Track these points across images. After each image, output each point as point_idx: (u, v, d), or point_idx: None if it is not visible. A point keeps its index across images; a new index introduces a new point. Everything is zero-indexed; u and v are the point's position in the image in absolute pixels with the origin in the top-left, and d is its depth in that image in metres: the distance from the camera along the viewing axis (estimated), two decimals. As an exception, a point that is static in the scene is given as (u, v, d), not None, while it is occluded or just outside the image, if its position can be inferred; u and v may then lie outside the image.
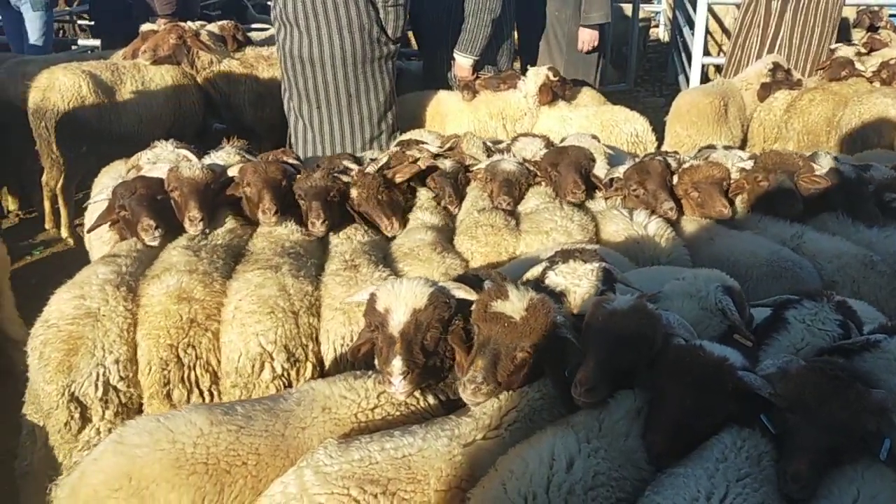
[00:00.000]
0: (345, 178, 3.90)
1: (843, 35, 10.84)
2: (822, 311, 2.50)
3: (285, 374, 2.98)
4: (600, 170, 4.32)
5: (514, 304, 2.40)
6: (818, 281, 3.49)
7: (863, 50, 10.07)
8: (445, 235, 3.88)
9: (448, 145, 4.57)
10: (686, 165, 4.16)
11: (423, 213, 4.04)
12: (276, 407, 2.40)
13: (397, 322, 2.41)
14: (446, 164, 4.27)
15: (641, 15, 12.55)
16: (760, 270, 3.49)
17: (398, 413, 2.46)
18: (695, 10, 8.25)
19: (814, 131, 6.65)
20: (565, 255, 2.90)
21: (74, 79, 6.05)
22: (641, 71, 13.39)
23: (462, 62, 6.49)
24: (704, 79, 8.42)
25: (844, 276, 3.51)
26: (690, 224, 4.04)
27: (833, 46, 7.04)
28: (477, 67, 6.58)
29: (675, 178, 4.14)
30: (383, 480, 2.13)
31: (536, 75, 6.28)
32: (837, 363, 2.18)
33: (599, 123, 6.20)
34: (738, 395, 2.22)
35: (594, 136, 4.65)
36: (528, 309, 2.39)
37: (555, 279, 2.81)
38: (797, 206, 3.99)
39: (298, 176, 3.84)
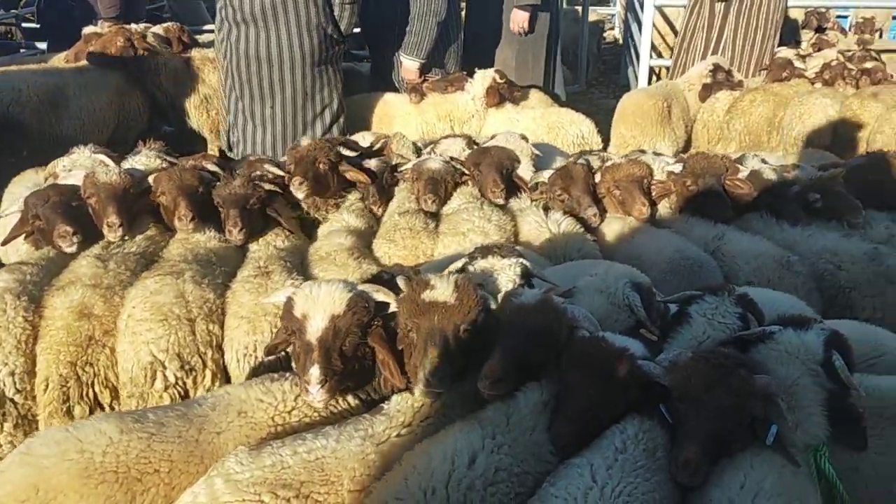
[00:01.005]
0: (266, 186, 3.89)
1: (792, 36, 11.09)
2: (722, 304, 2.57)
3: (180, 382, 2.95)
4: (525, 171, 4.37)
5: (443, 289, 2.44)
6: (718, 278, 3.57)
7: (811, 51, 10.34)
8: (368, 239, 3.90)
9: (378, 146, 4.59)
10: (608, 164, 4.24)
11: (348, 215, 4.05)
12: (189, 412, 2.38)
13: (315, 329, 2.39)
14: (372, 163, 4.28)
15: (594, 17, 12.68)
16: (661, 267, 3.57)
17: (317, 416, 2.46)
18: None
19: (755, 132, 6.80)
20: (484, 251, 2.94)
21: (13, 82, 5.97)
22: (596, 73, 13.52)
23: (409, 65, 6.52)
24: (656, 80, 8.58)
25: (760, 276, 3.59)
26: (615, 223, 4.11)
27: (776, 50, 7.20)
28: (424, 70, 6.62)
29: (598, 177, 4.21)
30: (296, 484, 2.13)
31: (483, 78, 6.34)
32: (723, 352, 2.25)
33: (546, 125, 6.28)
34: (638, 385, 2.29)
35: (522, 136, 4.69)
36: (458, 289, 2.44)
37: (475, 275, 2.85)
38: (727, 210, 4.07)
39: (218, 183, 3.83)
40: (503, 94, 6.34)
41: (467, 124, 6.41)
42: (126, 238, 3.56)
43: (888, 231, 3.99)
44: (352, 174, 4.15)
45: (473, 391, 2.39)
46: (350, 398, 2.53)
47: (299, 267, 3.53)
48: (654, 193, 4.22)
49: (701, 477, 2.09)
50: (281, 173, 4.10)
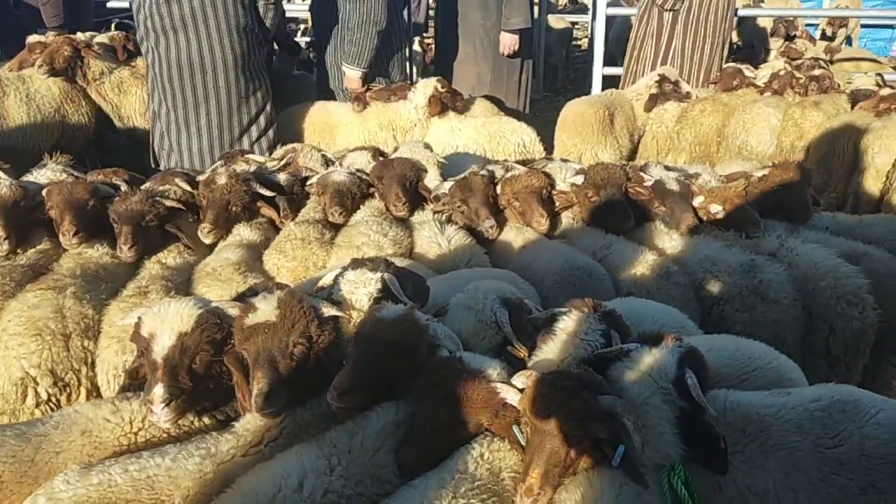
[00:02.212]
0: (168, 203, 3.88)
1: (761, 44, 11.13)
2: (585, 321, 2.54)
3: (53, 399, 2.96)
4: (432, 180, 4.37)
5: (265, 309, 2.40)
6: (608, 288, 3.60)
7: (781, 59, 10.34)
8: (262, 252, 3.88)
9: (284, 160, 4.55)
10: (507, 175, 4.24)
11: (244, 227, 4.05)
12: (29, 431, 2.34)
13: (161, 347, 2.36)
14: (281, 178, 4.27)
15: (562, 25, 12.70)
16: (552, 278, 3.58)
17: (166, 436, 2.42)
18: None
19: (704, 142, 6.81)
20: (356, 264, 2.91)
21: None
22: (566, 80, 13.55)
23: (350, 74, 6.54)
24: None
25: (640, 287, 3.60)
26: (510, 232, 4.14)
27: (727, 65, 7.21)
28: (367, 79, 6.62)
29: (499, 188, 4.23)
30: (121, 503, 2.10)
31: (425, 87, 6.34)
32: (569, 373, 2.22)
33: (487, 134, 6.29)
34: (490, 408, 2.26)
35: (427, 146, 4.68)
36: (280, 306, 2.40)
37: (338, 287, 2.82)
38: (627, 220, 4.10)
39: (116, 198, 3.83)
40: (445, 103, 6.32)
41: (410, 133, 6.42)
42: (18, 251, 3.52)
43: (779, 241, 4.00)
44: (264, 210, 4.14)
45: (330, 410, 2.35)
46: (206, 419, 2.50)
47: (183, 285, 3.53)
48: (556, 205, 4.23)
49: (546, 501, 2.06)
50: (190, 190, 4.04)
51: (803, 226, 4.31)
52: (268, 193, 4.11)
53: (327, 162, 4.75)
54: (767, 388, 2.60)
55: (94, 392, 3.04)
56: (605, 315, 2.57)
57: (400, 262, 3.16)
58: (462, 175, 4.40)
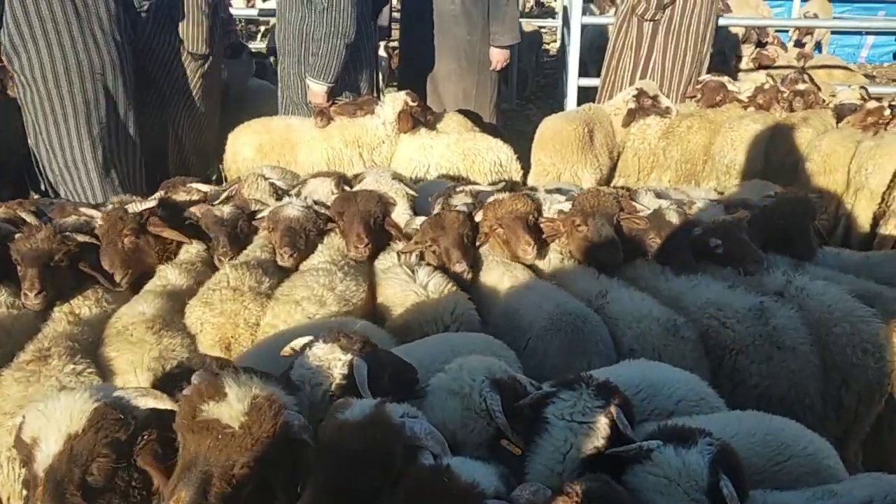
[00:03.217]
0: (80, 237, 3.39)
1: (733, 51, 10.88)
2: (580, 400, 2.12)
3: None
4: (401, 215, 3.93)
5: (233, 406, 1.91)
6: (604, 337, 3.20)
7: (752, 66, 10.09)
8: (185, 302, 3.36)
9: (226, 193, 4.06)
10: (490, 200, 3.82)
11: (172, 270, 3.51)
12: None
13: (44, 456, 1.88)
14: (224, 210, 3.77)
15: (530, 28, 12.34)
16: (541, 324, 3.17)
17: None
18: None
19: (691, 160, 6.47)
20: (330, 335, 2.45)
21: None
22: (535, 87, 13.17)
23: (315, 89, 6.07)
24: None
25: (645, 343, 3.18)
26: (495, 270, 3.69)
27: (702, 78, 6.87)
28: (334, 93, 6.15)
29: (480, 214, 3.81)
30: None
31: (394, 101, 5.88)
32: (589, 489, 1.80)
33: (461, 152, 5.87)
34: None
35: (395, 176, 4.24)
36: (251, 412, 1.91)
37: (301, 364, 2.36)
38: (617, 255, 3.69)
39: (18, 235, 3.31)
40: (417, 118, 5.88)
41: (377, 150, 5.95)
42: None
43: (785, 277, 3.61)
44: (167, 233, 3.62)
45: None
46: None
47: (94, 346, 3.02)
48: (544, 234, 3.83)
49: None
50: (92, 213, 3.61)
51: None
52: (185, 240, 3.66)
53: (276, 192, 4.23)
54: (803, 480, 2.23)
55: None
56: (600, 389, 2.15)
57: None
58: (436, 211, 3.98)
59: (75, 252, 3.33)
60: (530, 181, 6.15)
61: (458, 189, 4.28)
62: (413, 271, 3.55)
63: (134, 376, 2.79)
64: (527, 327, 3.19)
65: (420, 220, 3.88)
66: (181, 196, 3.83)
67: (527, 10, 17.79)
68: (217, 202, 3.90)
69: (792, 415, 3.09)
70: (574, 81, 8.02)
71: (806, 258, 3.92)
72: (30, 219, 3.55)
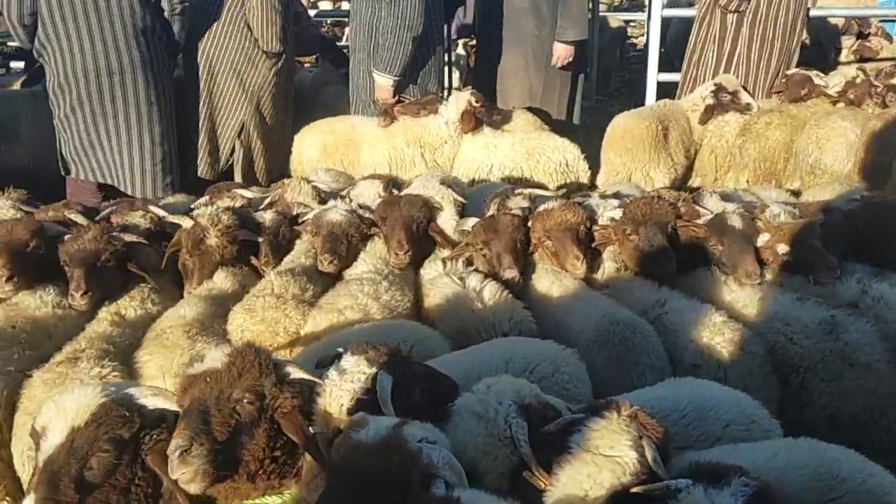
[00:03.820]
0: (127, 237, 3.41)
1: (831, 43, 10.19)
2: (609, 430, 1.93)
3: None
4: (447, 220, 3.79)
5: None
6: (656, 349, 2.98)
7: (853, 58, 9.38)
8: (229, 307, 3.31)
9: (269, 198, 4.01)
10: (540, 209, 3.64)
11: (219, 274, 3.49)
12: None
13: (49, 446, 1.90)
14: (266, 216, 3.73)
15: (615, 25, 11.98)
16: (587, 336, 3.00)
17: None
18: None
19: (770, 158, 6.05)
20: (359, 348, 2.35)
21: None
22: (620, 83, 12.79)
23: (381, 82, 6.04)
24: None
25: (709, 358, 2.95)
26: (544, 279, 3.53)
27: (788, 72, 6.42)
28: (400, 89, 6.11)
29: (529, 224, 3.64)
30: None
31: (458, 100, 5.78)
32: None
33: (525, 151, 5.72)
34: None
35: (445, 181, 4.09)
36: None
37: (328, 378, 2.27)
38: (668, 266, 3.46)
39: (67, 236, 3.36)
40: (480, 118, 5.74)
41: (439, 151, 5.86)
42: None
43: (860, 286, 3.30)
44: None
45: None
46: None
47: (130, 349, 3.00)
48: (595, 242, 3.64)
49: None
50: (163, 214, 3.61)
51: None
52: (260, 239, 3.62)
53: (320, 195, 4.16)
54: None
55: (8, 477, 2.60)
56: (633, 418, 1.96)
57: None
58: (490, 213, 3.83)
59: (122, 252, 3.37)
60: (599, 181, 5.92)
61: (515, 191, 4.12)
62: (462, 279, 3.40)
63: (162, 381, 2.77)
64: (573, 339, 3.02)
65: (471, 221, 3.74)
66: (225, 202, 3.83)
67: (616, 4, 17.34)
68: (261, 208, 3.87)
69: (866, 438, 2.86)
70: (654, 77, 7.66)
71: (890, 267, 3.56)
72: (78, 219, 3.61)
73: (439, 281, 3.42)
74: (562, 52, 6.74)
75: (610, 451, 1.90)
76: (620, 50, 12.95)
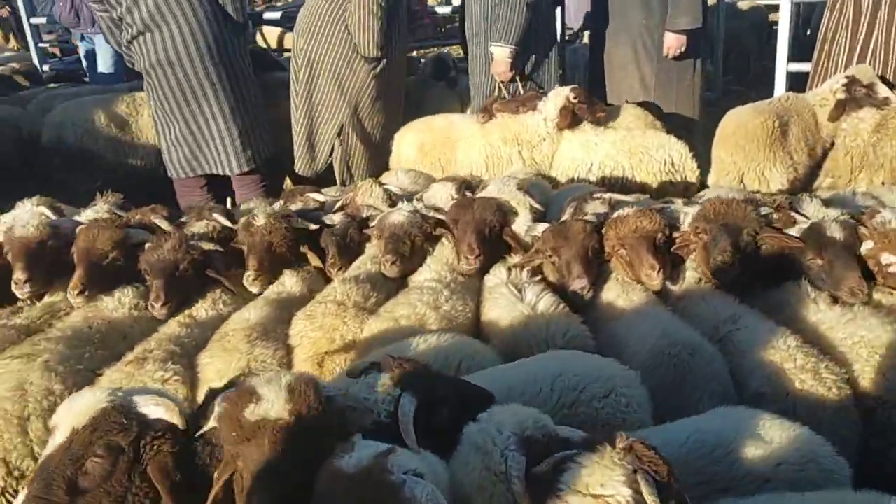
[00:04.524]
0: (205, 245, 3.49)
1: None
2: (599, 467, 1.73)
3: (10, 489, 2.58)
4: (521, 225, 3.63)
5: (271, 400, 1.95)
6: (720, 375, 2.70)
7: None
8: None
9: (340, 201, 4.00)
10: (614, 215, 3.43)
11: (290, 277, 3.53)
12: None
13: (52, 445, 1.94)
14: (335, 219, 3.73)
15: (753, 9, 11.18)
16: (641, 359, 2.77)
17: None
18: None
19: (909, 158, 5.40)
20: (388, 363, 2.28)
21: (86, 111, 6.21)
22: (760, 71, 11.94)
23: (498, 54, 5.91)
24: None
25: (777, 386, 2.65)
26: (613, 290, 3.32)
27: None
28: (517, 65, 6.01)
29: (603, 231, 3.44)
30: None
31: (557, 96, 5.58)
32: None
33: (627, 149, 5.46)
34: None
35: (522, 186, 3.90)
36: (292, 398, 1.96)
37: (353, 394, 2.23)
38: (730, 274, 3.16)
39: (148, 245, 3.48)
40: (579, 115, 5.52)
41: (537, 148, 5.70)
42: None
43: None
44: (310, 256, 3.66)
45: None
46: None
47: (196, 350, 3.09)
48: (674, 247, 3.40)
49: None
50: (228, 224, 3.70)
51: None
52: (313, 227, 3.63)
53: (391, 197, 4.12)
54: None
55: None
56: (628, 452, 1.75)
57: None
58: (565, 218, 3.66)
59: (200, 261, 3.47)
60: (710, 181, 5.53)
61: (594, 195, 3.91)
62: (521, 290, 3.27)
63: (219, 384, 2.83)
64: (628, 360, 2.80)
65: (542, 227, 3.58)
66: (298, 205, 3.88)
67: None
68: (333, 211, 3.89)
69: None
70: (783, 66, 7.08)
71: None
72: (162, 225, 3.75)
73: (497, 291, 3.30)
74: (673, 42, 6.35)
75: (600, 489, 1.71)
76: (759, 36, 12.07)
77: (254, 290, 3.49)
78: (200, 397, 2.87)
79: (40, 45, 10.04)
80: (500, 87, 6.16)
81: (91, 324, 3.18)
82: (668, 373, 2.66)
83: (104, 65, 8.78)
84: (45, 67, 9.84)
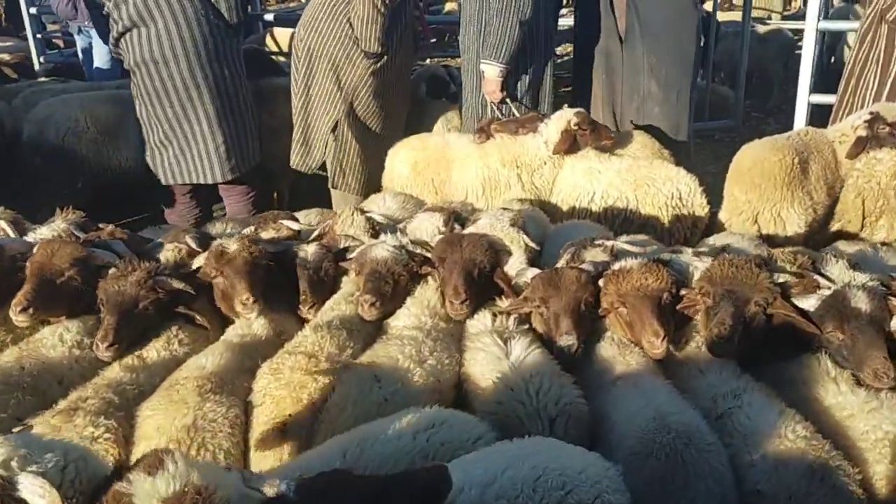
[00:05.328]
0: (175, 283, 3.16)
1: None
2: None
3: None
4: (515, 266, 3.33)
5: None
6: (714, 468, 2.34)
7: None
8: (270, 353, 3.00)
9: (317, 230, 3.68)
10: (615, 267, 3.09)
11: (257, 317, 3.19)
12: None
13: None
14: (308, 250, 3.40)
15: (779, 35, 10.85)
16: (628, 444, 2.43)
17: None
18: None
19: (931, 206, 5.04)
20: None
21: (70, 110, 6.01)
22: (783, 98, 11.64)
23: (488, 72, 5.68)
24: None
25: (777, 486, 2.31)
26: (608, 350, 2.98)
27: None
28: (508, 86, 5.77)
29: (601, 283, 3.11)
30: None
31: (559, 119, 5.25)
32: None
33: (633, 180, 5.14)
34: None
35: (516, 222, 3.59)
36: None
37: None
38: (727, 347, 2.81)
39: (111, 271, 3.15)
40: (583, 140, 5.21)
41: (538, 172, 5.39)
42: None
43: None
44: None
45: None
46: None
47: (139, 399, 2.75)
48: (680, 305, 3.07)
49: None
50: (198, 249, 3.45)
51: None
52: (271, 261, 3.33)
53: (374, 227, 3.79)
54: None
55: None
56: None
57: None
58: (560, 264, 3.35)
59: (164, 301, 3.15)
60: (722, 217, 5.20)
61: (596, 241, 3.58)
62: (506, 342, 2.93)
63: (157, 443, 2.53)
64: (616, 443, 2.48)
65: (532, 272, 3.25)
66: (269, 233, 3.57)
67: (792, 12, 15.97)
68: (309, 240, 3.57)
69: None
70: (805, 98, 6.73)
71: None
72: (194, 245, 3.48)
73: (480, 339, 2.96)
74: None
75: None
76: (785, 62, 11.73)
77: (251, 315, 3.19)
78: (138, 456, 2.57)
79: (39, 35, 9.79)
80: (492, 108, 5.88)
81: (24, 364, 2.85)
82: (658, 467, 2.31)
83: (100, 60, 8.53)
84: (42, 60, 9.60)
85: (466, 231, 3.57)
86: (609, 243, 3.45)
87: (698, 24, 6.20)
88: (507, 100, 5.85)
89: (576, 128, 5.13)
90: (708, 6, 9.74)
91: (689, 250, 3.41)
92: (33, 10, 9.55)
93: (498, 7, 5.45)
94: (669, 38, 6.03)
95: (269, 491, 1.70)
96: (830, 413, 2.62)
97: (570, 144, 5.14)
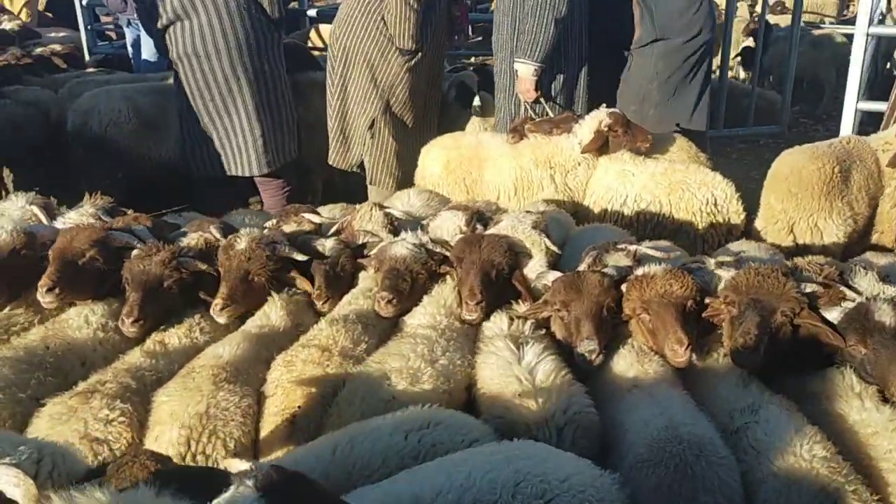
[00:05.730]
0: (201, 266, 3.21)
1: None
2: None
3: None
4: (534, 269, 3.29)
5: None
6: (724, 481, 2.27)
7: None
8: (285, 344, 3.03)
9: (336, 225, 3.69)
10: (639, 273, 3.03)
11: (275, 308, 3.21)
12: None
13: None
14: (326, 244, 3.40)
15: (834, 39, 10.57)
16: (637, 451, 2.38)
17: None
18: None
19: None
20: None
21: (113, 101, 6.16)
22: (835, 104, 11.36)
23: (522, 71, 5.64)
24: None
25: (791, 501, 2.23)
26: (625, 359, 2.92)
27: None
28: (542, 85, 5.71)
29: (624, 288, 3.05)
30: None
31: (593, 119, 5.20)
32: None
33: (667, 185, 5.07)
34: None
35: (538, 225, 3.54)
36: None
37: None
38: (751, 358, 2.73)
39: (136, 252, 3.21)
40: (615, 142, 5.14)
41: (571, 174, 5.35)
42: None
43: None
44: (299, 282, 3.33)
45: None
46: None
47: (156, 385, 2.79)
48: (705, 312, 2.99)
49: None
50: (222, 240, 3.43)
51: None
52: (299, 258, 3.32)
53: (393, 223, 3.78)
54: None
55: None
56: None
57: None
58: (581, 267, 3.30)
59: (188, 282, 3.22)
60: (757, 226, 5.08)
61: (619, 245, 3.52)
62: (520, 347, 2.89)
63: (170, 430, 2.57)
64: (625, 451, 2.44)
65: (553, 275, 3.21)
66: (291, 226, 3.59)
67: (846, 17, 15.49)
68: (328, 234, 3.59)
69: None
70: (852, 104, 6.52)
71: None
72: (217, 234, 3.48)
73: (493, 343, 2.93)
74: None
75: None
76: (838, 67, 11.44)
77: (220, 320, 3.18)
78: (151, 440, 2.62)
79: (90, 27, 10.05)
80: (525, 108, 5.84)
81: (49, 344, 2.92)
82: (666, 475, 2.26)
83: (148, 52, 8.70)
84: (93, 51, 9.85)
85: (487, 232, 3.54)
86: (632, 247, 3.39)
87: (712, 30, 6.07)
88: (542, 99, 5.79)
89: (606, 129, 5.06)
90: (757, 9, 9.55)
91: (712, 260, 3.33)
92: (85, 2, 9.80)
93: (532, 4, 5.42)
94: (678, 46, 5.96)
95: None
96: (854, 430, 2.52)
97: (600, 145, 5.07)
